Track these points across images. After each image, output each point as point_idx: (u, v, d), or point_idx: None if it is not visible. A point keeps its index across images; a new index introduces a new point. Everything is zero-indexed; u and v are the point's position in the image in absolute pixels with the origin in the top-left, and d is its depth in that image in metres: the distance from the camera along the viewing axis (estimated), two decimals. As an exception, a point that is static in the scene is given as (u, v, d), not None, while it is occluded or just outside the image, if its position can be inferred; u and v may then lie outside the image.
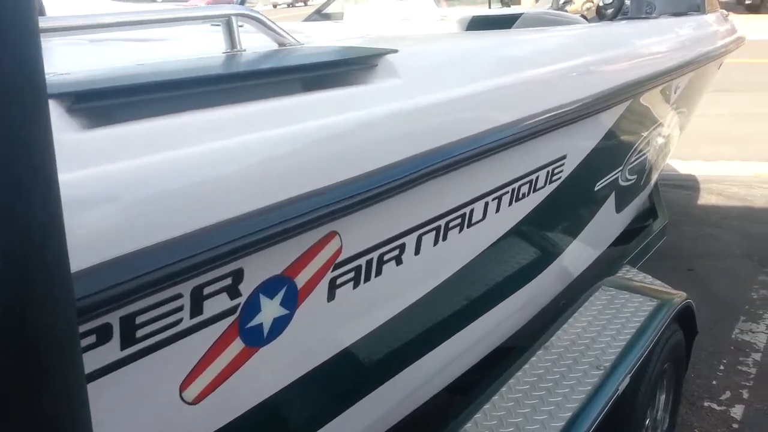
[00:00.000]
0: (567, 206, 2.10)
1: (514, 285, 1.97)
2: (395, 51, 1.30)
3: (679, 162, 7.03)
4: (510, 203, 1.64)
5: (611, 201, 2.38)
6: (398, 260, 1.37)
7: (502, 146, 1.44)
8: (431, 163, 1.25)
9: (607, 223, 2.52)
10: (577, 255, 2.32)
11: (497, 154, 1.44)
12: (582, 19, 2.76)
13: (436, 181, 1.30)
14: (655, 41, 2.44)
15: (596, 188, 2.16)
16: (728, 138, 7.73)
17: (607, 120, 2.01)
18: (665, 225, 3.48)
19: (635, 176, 2.52)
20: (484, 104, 1.47)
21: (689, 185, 6.25)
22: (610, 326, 2.00)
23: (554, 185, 1.82)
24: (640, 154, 2.46)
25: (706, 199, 5.79)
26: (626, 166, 2.35)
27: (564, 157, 1.79)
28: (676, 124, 2.99)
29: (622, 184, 2.41)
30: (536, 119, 1.56)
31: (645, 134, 2.42)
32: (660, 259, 4.44)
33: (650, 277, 2.60)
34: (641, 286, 2.34)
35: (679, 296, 2.21)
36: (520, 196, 1.66)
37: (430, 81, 1.36)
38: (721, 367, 3.21)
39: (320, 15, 4.19)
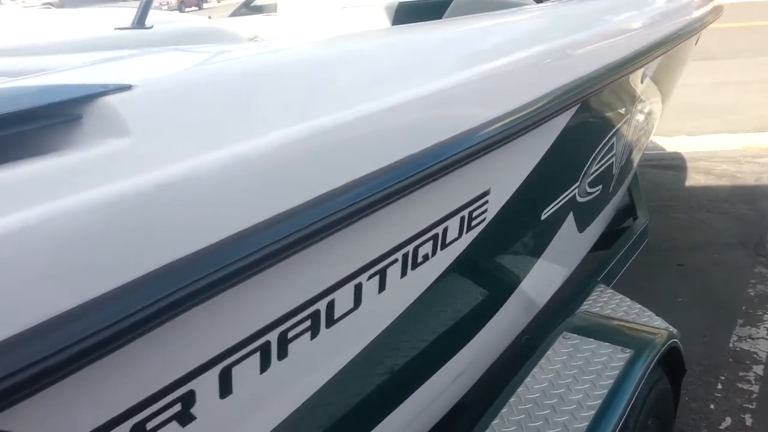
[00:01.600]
0: (499, 248, 1.64)
1: (457, 342, 1.56)
2: (127, 87, 0.79)
3: (663, 139, 6.61)
4: (407, 272, 1.20)
5: (569, 223, 1.95)
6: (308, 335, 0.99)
7: (372, 205, 0.97)
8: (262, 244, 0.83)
9: (567, 247, 2.08)
10: (532, 293, 1.89)
11: (358, 222, 0.98)
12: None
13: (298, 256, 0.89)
14: (619, 20, 2.01)
15: (544, 216, 1.73)
16: (712, 109, 7.32)
17: (552, 131, 1.58)
18: (645, 227, 3.05)
19: (599, 186, 2.09)
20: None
21: (675, 165, 5.83)
22: (575, 387, 1.59)
23: (475, 231, 1.37)
24: (604, 159, 2.03)
25: (694, 179, 5.38)
26: (585, 179, 1.92)
27: (487, 193, 1.34)
28: (649, 115, 2.55)
29: (582, 200, 1.98)
30: (444, 150, 1.13)
31: (608, 137, 1.98)
32: (647, 253, 4.04)
33: (627, 300, 2.18)
34: (611, 325, 1.92)
35: (660, 336, 1.79)
36: (423, 258, 1.21)
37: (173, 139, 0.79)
38: (719, 386, 2.81)
39: (249, 8, 3.74)
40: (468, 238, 1.34)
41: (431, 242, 1.23)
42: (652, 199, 5.11)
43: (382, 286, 1.14)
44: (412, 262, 1.20)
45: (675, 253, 4.03)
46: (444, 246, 1.27)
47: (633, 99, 2.11)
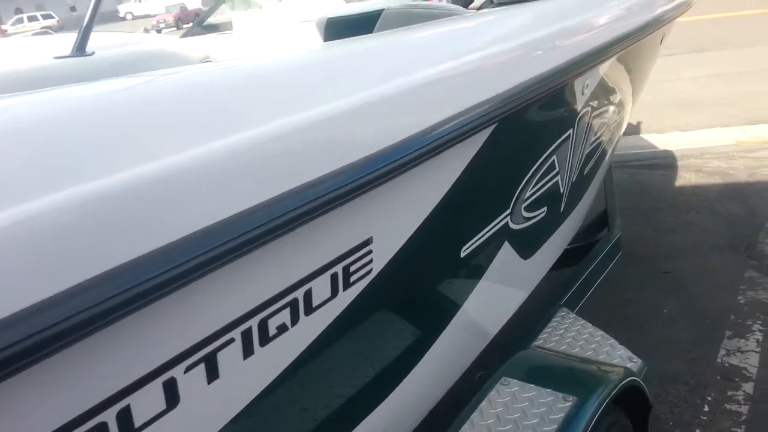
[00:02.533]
0: (408, 291, 1.42)
1: (382, 388, 1.38)
2: None
3: (655, 136, 6.41)
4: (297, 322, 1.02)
5: (507, 253, 1.75)
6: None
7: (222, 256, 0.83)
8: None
9: (510, 277, 1.86)
10: (472, 329, 1.70)
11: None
12: (461, 8, 2.16)
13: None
14: (558, 27, 1.81)
15: (465, 253, 1.53)
16: (707, 103, 7.10)
17: (461, 157, 1.37)
18: (617, 240, 2.84)
19: (542, 209, 1.88)
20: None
21: (665, 163, 5.63)
22: (515, 439, 1.40)
23: (365, 282, 1.19)
24: (544, 180, 1.83)
25: (684, 178, 5.17)
26: (518, 204, 1.72)
27: (368, 241, 1.15)
28: (608, 121, 2.35)
29: (519, 227, 1.78)
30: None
31: (544, 155, 1.77)
32: (632, 261, 3.85)
33: (590, 326, 1.99)
34: (561, 365, 1.72)
35: (615, 374, 1.60)
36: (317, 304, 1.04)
37: None
38: (706, 408, 2.61)
39: (203, 27, 3.59)
40: (358, 287, 1.16)
41: (329, 284, 1.06)
42: (639, 202, 4.92)
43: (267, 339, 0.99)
44: (305, 308, 1.03)
45: (661, 260, 3.83)
46: (346, 286, 1.10)
47: (574, 111, 1.92)
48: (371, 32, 2.07)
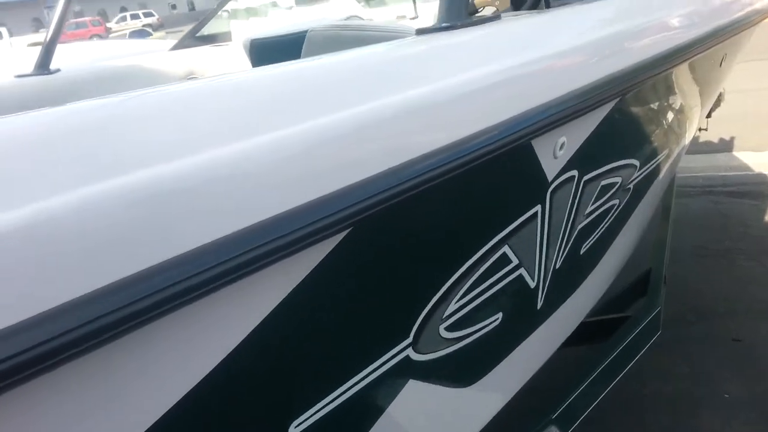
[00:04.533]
0: None
1: None
2: None
3: (750, 155, 5.50)
4: None
5: (412, 388, 1.19)
6: None
7: None
8: None
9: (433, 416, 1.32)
10: None
11: None
12: (406, 27, 1.64)
13: None
14: (530, 47, 1.27)
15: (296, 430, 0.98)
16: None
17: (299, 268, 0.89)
18: (652, 321, 2.18)
19: (487, 324, 1.27)
20: None
21: (757, 191, 4.77)
22: None
23: None
24: (480, 288, 1.24)
25: (777, 212, 4.34)
26: (434, 327, 1.18)
27: None
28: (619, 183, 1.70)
29: (431, 356, 1.16)
30: None
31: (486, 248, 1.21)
32: (693, 319, 3.16)
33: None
34: None
35: None
36: None
37: None
38: None
39: (197, 39, 3.24)
40: None
41: None
42: (716, 240, 4.11)
43: None
44: None
45: (732, 322, 3.12)
46: None
47: (540, 181, 1.34)
48: (299, 55, 1.66)
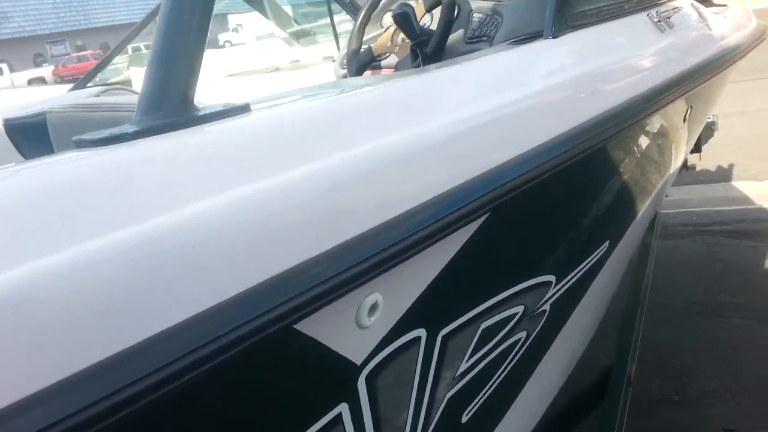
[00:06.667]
0: None
1: None
2: None
3: (749, 185, 4.98)
4: None
5: None
6: None
7: None
8: None
9: None
10: None
11: None
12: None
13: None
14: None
15: None
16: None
17: None
18: None
19: None
20: None
21: (759, 229, 4.25)
22: None
23: None
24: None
25: (781, 255, 3.82)
26: None
27: None
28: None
29: None
30: None
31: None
32: (680, 401, 2.65)
33: None
34: None
35: None
36: None
37: None
38: None
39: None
40: None
41: None
42: (712, 293, 3.59)
43: None
44: None
45: (724, 405, 2.60)
46: None
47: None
48: (47, 137, 1.32)
